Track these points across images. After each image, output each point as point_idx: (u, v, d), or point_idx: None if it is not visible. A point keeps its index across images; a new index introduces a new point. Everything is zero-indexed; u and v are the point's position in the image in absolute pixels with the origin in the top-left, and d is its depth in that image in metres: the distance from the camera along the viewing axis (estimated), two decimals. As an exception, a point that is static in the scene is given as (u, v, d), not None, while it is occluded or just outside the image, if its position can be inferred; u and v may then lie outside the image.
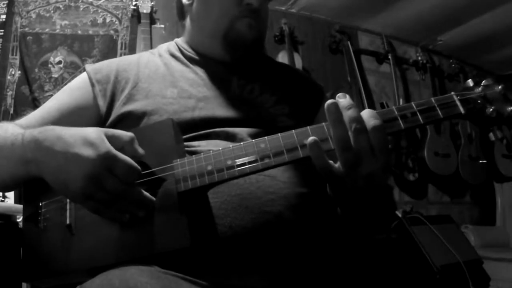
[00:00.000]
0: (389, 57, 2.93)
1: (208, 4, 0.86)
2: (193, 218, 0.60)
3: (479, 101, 0.63)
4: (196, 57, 0.88)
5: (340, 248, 0.73)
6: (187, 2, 0.91)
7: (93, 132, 0.60)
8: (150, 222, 0.59)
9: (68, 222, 0.63)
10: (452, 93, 0.63)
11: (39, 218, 0.67)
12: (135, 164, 0.58)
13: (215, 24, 0.85)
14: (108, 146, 0.58)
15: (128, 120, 0.77)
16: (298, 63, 2.56)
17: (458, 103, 0.62)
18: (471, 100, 0.62)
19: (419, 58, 3.13)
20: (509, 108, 0.62)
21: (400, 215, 2.24)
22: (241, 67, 0.87)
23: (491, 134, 0.70)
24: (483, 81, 0.64)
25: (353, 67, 2.71)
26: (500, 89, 0.63)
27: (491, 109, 0.62)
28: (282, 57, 2.54)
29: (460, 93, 0.63)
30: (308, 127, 0.61)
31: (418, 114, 0.60)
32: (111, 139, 0.60)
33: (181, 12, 0.94)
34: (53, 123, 0.78)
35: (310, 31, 2.88)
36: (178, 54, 0.90)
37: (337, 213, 0.77)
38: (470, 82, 0.66)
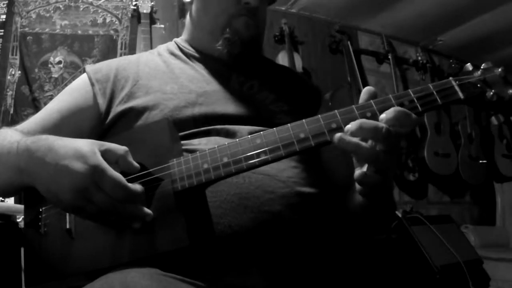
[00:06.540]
0: (389, 57, 2.93)
1: (207, 2, 0.87)
2: (191, 218, 0.60)
3: (478, 85, 0.60)
4: (196, 54, 0.89)
5: (339, 247, 0.73)
6: (187, 0, 0.93)
7: (86, 145, 0.59)
8: (149, 223, 0.59)
9: (68, 226, 0.63)
10: (451, 78, 0.61)
11: (40, 224, 0.67)
12: (123, 181, 0.57)
13: (214, 22, 0.86)
14: (98, 160, 0.57)
15: (129, 116, 0.77)
16: (298, 63, 2.56)
17: (457, 88, 0.60)
18: (470, 85, 0.60)
19: (419, 58, 3.13)
20: (510, 91, 0.59)
21: (400, 215, 2.24)
22: (240, 64, 0.88)
23: (493, 118, 0.68)
24: (483, 65, 0.62)
25: (353, 67, 2.70)
26: (500, 71, 0.61)
27: (491, 93, 0.60)
28: (282, 57, 2.54)
29: (459, 78, 0.61)
30: (303, 120, 0.60)
31: (416, 102, 0.58)
32: (105, 153, 0.60)
33: (182, 10, 0.96)
34: (54, 125, 0.79)
35: (310, 31, 2.87)
36: (178, 52, 0.91)
37: (336, 212, 0.78)
38: (469, 66, 0.64)
